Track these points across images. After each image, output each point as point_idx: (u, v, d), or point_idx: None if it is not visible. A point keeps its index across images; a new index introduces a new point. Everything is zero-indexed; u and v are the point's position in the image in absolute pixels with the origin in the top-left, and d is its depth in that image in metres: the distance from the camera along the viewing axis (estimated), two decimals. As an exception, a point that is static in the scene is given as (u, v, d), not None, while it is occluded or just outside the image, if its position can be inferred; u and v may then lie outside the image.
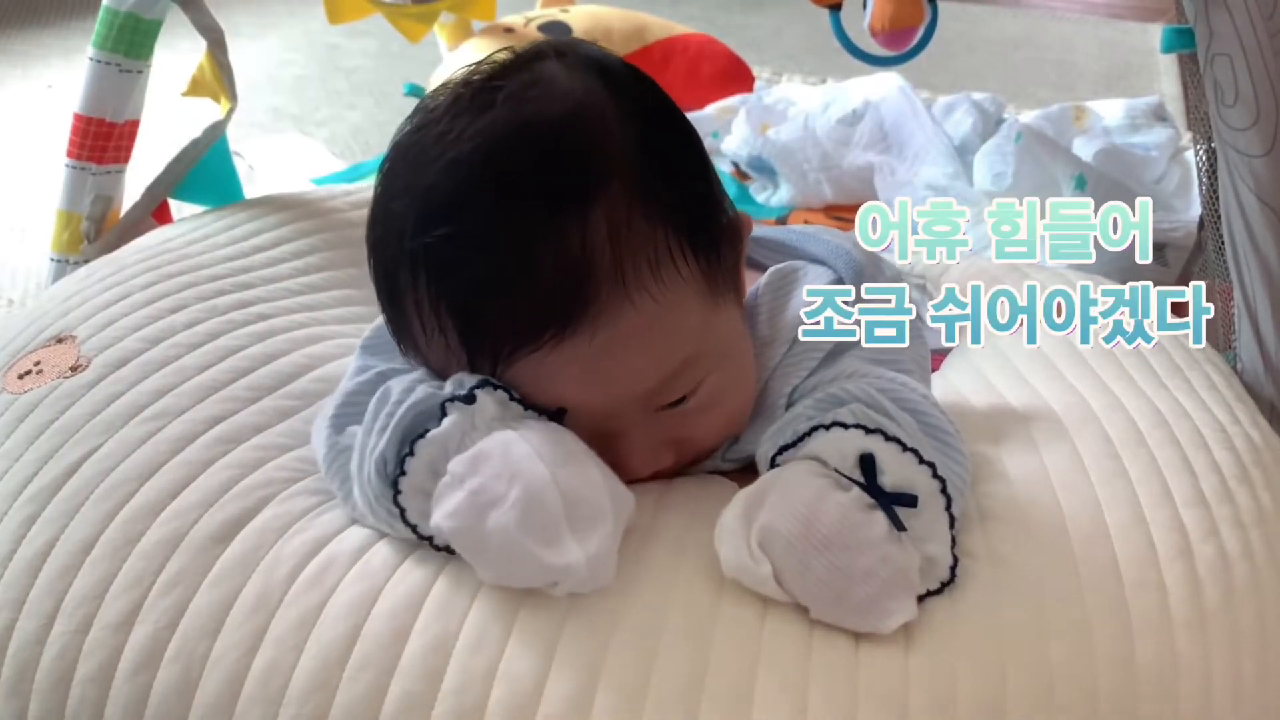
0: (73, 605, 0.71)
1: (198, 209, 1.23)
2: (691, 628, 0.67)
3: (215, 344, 0.90)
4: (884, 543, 0.67)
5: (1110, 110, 1.95)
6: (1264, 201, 0.99)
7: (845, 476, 0.70)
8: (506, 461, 0.67)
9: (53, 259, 1.25)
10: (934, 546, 0.69)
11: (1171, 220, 1.49)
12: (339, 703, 0.66)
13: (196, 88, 1.29)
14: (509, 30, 1.95)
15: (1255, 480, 0.82)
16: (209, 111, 1.28)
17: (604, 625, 0.67)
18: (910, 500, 0.69)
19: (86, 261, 1.11)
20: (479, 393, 0.70)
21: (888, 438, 0.70)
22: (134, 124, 1.25)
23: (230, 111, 1.28)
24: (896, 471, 0.69)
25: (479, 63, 0.75)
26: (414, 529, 0.70)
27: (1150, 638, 0.69)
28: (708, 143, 1.47)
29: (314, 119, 2.38)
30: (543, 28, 1.95)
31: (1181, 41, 1.05)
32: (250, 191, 1.34)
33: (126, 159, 1.25)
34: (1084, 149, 1.70)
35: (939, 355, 1.00)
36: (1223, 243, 1.06)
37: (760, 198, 1.85)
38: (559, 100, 0.72)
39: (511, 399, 0.72)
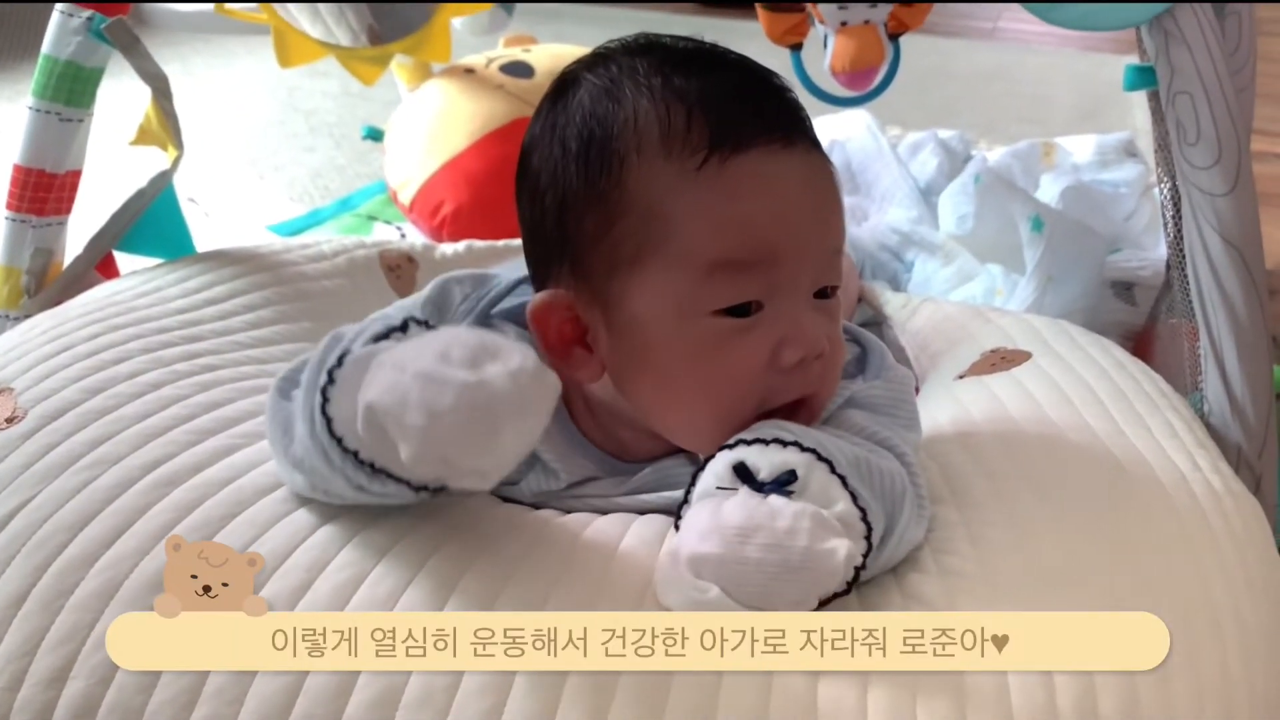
0: (3, 661, 0.70)
1: (147, 261, 1.21)
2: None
3: (158, 393, 0.89)
4: (790, 504, 0.70)
5: (1080, 147, 1.94)
6: (1228, 241, 0.99)
7: (729, 489, 0.73)
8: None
9: (-8, 315, 1.22)
10: (838, 506, 0.72)
11: (1140, 259, 1.48)
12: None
13: (144, 136, 1.27)
14: (469, 71, 1.94)
15: (1215, 528, 0.81)
16: (156, 160, 1.26)
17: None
18: (789, 476, 0.72)
19: (28, 316, 1.09)
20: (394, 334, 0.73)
21: (749, 443, 0.75)
22: (75, 174, 1.22)
23: (177, 160, 1.25)
24: (768, 465, 0.73)
25: None
26: (339, 443, 0.71)
27: (1112, 689, 0.68)
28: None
29: (271, 162, 2.35)
30: (504, 68, 1.94)
31: (1144, 79, 1.05)
32: (204, 238, 1.33)
33: (68, 210, 1.23)
34: (1051, 186, 1.68)
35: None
36: (1188, 282, 1.05)
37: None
38: None
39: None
